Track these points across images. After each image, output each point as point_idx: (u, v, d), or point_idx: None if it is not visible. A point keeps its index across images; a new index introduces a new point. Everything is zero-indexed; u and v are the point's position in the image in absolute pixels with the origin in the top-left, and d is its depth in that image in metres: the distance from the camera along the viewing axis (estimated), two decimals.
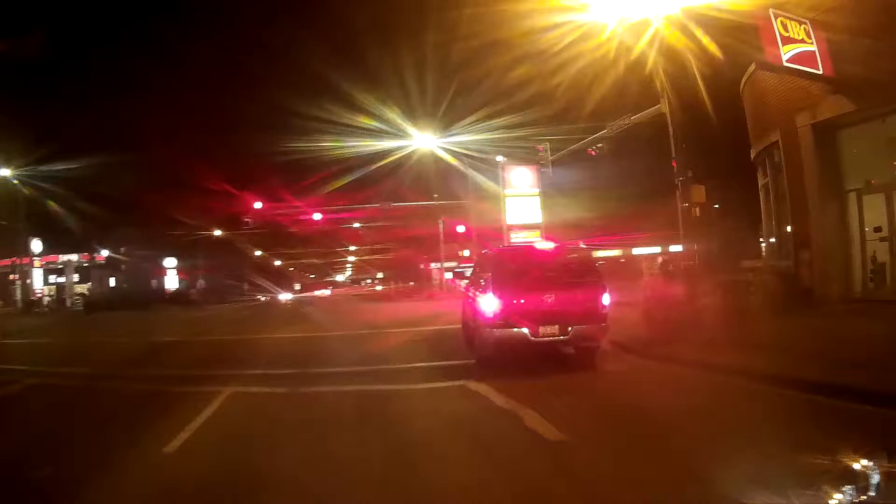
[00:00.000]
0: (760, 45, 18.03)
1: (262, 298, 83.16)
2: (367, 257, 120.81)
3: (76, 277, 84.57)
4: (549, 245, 17.52)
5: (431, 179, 60.25)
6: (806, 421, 8.03)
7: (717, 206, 35.47)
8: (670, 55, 19.61)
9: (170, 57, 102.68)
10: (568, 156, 37.37)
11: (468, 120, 52.71)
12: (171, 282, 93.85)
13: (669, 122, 20.69)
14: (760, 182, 26.07)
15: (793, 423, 7.89)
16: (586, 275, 14.69)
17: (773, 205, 24.68)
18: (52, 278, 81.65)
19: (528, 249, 17.80)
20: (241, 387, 13.07)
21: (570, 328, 13.43)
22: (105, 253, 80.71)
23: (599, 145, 31.70)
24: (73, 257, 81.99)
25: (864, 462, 3.06)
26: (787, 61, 17.77)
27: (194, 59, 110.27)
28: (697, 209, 20.06)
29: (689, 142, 20.66)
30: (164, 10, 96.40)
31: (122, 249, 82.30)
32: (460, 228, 61.24)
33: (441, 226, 64.80)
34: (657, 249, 79.30)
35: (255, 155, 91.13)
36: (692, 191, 19.61)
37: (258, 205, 53.75)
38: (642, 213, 52.80)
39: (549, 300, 13.60)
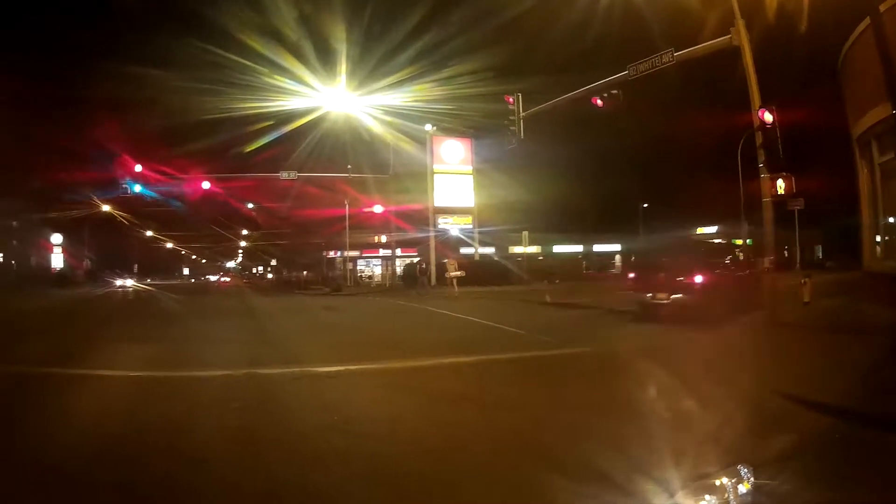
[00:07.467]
0: None
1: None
2: (260, 243, 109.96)
3: None
4: None
5: (347, 149, 50.22)
6: None
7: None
8: None
9: None
10: (548, 113, 26.84)
11: (395, 75, 42.37)
12: (58, 260, 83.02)
13: (748, 59, 16.78)
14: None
15: None
16: None
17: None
18: None
19: None
20: None
21: None
22: None
23: (614, 91, 22.39)
24: None
25: None
26: None
27: None
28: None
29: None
30: None
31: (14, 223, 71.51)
32: (377, 209, 50.79)
33: (347, 206, 54.24)
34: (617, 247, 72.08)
35: (135, 113, 79.52)
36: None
37: (139, 167, 43.39)
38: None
39: None
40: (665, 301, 17.87)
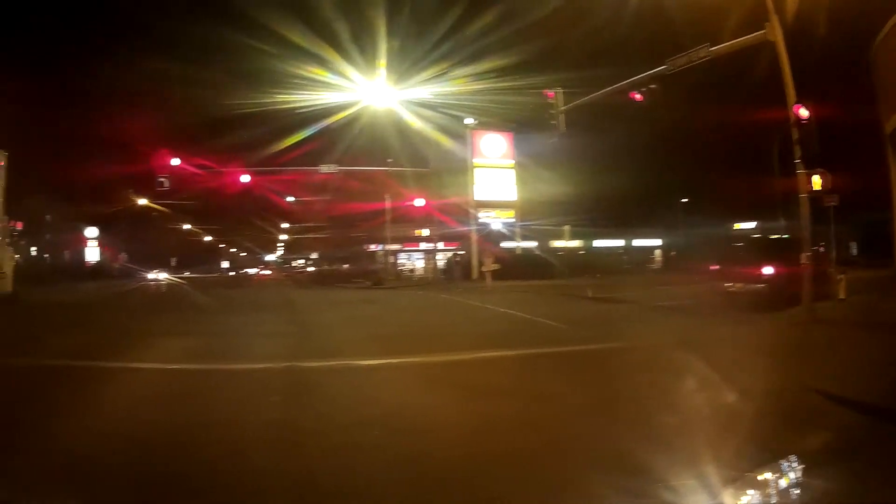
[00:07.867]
0: None
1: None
2: (300, 236, 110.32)
3: None
4: None
5: (385, 143, 50.28)
6: None
7: None
8: None
9: None
10: (586, 107, 26.58)
11: (434, 68, 42.13)
12: (92, 254, 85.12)
13: (782, 54, 16.59)
14: None
15: None
16: None
17: None
18: None
19: None
20: None
21: None
22: None
23: (652, 86, 22.19)
24: None
25: None
26: None
27: None
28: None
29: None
30: None
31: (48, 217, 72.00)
32: (419, 202, 50.75)
33: (388, 199, 54.18)
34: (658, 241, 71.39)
35: (172, 108, 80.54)
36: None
37: (176, 161, 43.20)
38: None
39: None
40: (742, 290, 20.24)
